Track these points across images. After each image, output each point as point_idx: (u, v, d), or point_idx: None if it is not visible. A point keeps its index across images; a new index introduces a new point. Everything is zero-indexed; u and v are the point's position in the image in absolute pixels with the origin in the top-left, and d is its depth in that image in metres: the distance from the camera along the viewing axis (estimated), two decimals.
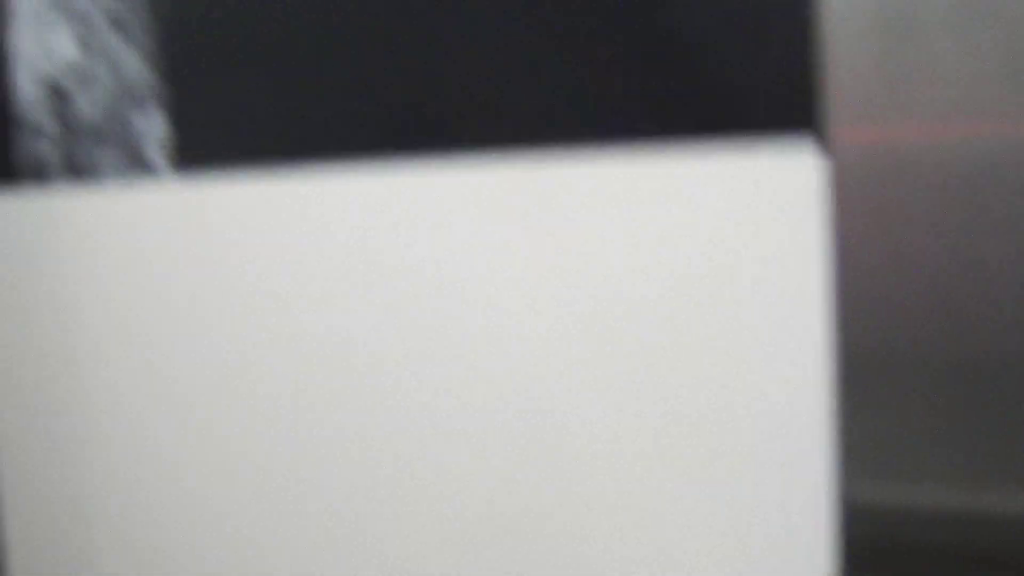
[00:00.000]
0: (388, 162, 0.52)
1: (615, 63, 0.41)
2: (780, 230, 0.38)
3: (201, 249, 0.66)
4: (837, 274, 0.36)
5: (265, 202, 0.62)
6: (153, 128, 0.69)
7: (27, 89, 0.84)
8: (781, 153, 0.37)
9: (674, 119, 0.39)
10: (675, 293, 0.40)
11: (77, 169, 0.77)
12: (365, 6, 0.54)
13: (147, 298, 0.70)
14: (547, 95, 0.43)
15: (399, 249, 0.51)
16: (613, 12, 0.41)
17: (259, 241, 0.61)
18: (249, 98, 0.62)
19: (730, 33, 0.38)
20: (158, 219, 0.70)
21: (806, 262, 0.37)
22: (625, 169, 0.41)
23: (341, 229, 0.55)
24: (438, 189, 0.49)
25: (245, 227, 0.63)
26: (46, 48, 0.81)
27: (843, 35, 0.35)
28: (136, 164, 0.70)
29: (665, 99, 0.40)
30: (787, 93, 0.37)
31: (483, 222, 0.47)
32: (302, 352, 0.56)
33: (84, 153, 0.77)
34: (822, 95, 0.36)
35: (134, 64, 0.71)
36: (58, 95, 0.79)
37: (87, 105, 0.76)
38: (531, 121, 0.43)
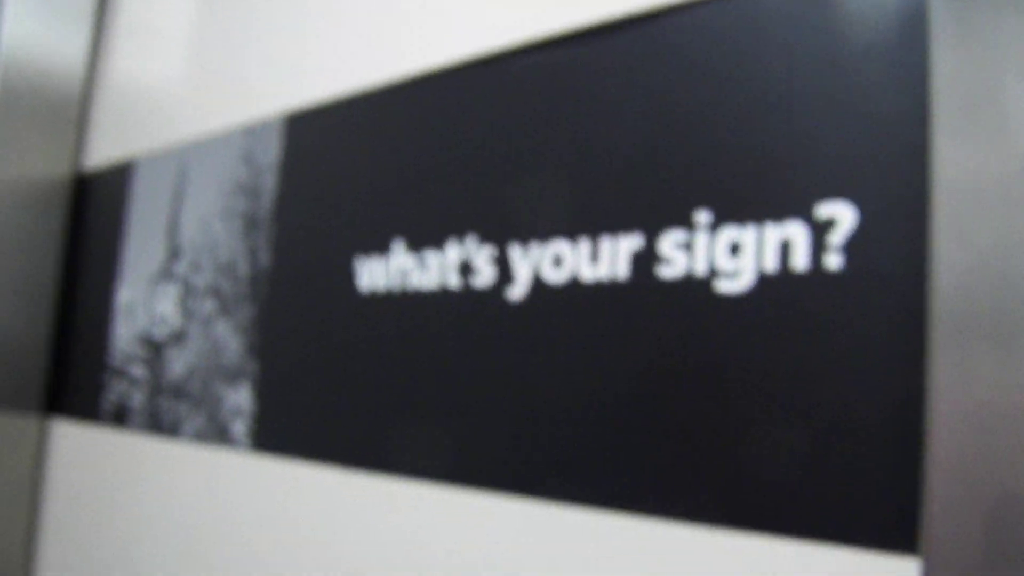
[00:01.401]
0: (454, 486, 0.56)
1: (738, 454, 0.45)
2: None
3: (264, 519, 0.69)
4: None
5: (333, 493, 0.64)
6: (240, 402, 0.73)
7: (125, 341, 0.90)
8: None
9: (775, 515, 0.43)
10: None
11: (159, 422, 0.82)
12: (468, 350, 0.58)
13: (198, 543, 0.74)
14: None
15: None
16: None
17: (319, 529, 0.64)
18: (332, 401, 0.65)
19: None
20: (230, 483, 0.74)
21: None
22: (730, 552, 0.44)
23: (405, 534, 0.58)
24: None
25: (307, 513, 0.66)
26: (149, 307, 0.86)
27: None
28: (216, 430, 0.74)
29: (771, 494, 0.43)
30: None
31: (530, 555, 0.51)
32: None
33: (169, 409, 0.81)
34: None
35: (232, 341, 0.76)
36: (154, 352, 0.84)
37: (180, 367, 0.80)
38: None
